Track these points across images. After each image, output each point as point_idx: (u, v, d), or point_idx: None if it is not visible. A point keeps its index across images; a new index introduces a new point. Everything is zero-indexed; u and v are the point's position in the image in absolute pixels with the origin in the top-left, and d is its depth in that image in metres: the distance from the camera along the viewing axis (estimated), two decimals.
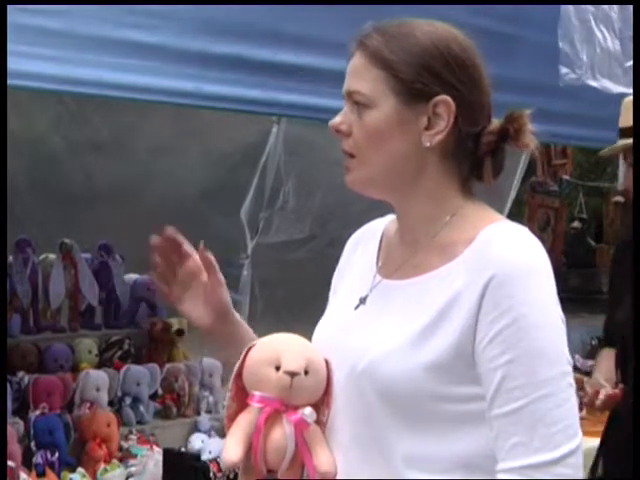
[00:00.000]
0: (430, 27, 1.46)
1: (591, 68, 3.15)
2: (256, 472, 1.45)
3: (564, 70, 3.06)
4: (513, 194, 5.48)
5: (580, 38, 3.08)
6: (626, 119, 2.65)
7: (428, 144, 1.43)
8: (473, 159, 1.48)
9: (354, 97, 1.46)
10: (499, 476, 1.35)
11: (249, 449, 1.45)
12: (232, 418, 1.48)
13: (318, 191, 4.82)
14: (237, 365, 1.48)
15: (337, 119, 1.48)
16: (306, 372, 1.43)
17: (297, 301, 4.86)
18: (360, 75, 1.46)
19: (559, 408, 1.33)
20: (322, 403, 1.48)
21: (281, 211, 4.82)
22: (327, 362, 1.47)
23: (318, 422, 1.46)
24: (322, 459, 1.44)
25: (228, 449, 1.44)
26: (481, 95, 1.47)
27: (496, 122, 1.47)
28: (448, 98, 1.42)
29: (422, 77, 1.42)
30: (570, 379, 1.36)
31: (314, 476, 1.43)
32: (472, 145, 1.46)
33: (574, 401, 1.36)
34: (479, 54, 1.48)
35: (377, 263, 1.57)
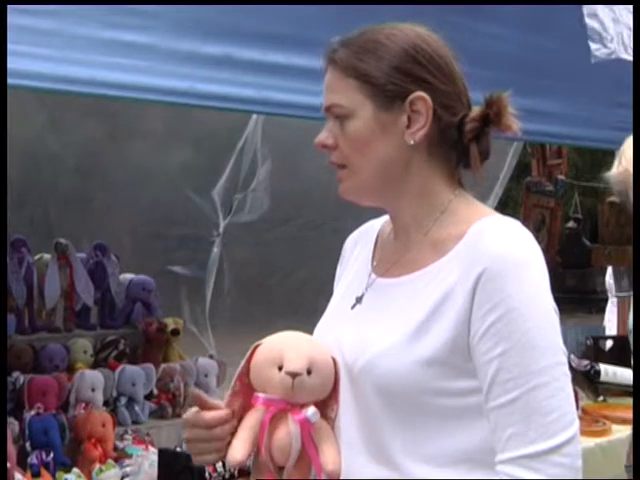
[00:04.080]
0: (392, 30, 1.50)
1: (622, 44, 3.12)
2: (263, 469, 1.46)
3: (595, 46, 3.03)
4: (500, 192, 5.50)
5: (606, 16, 3.07)
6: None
7: (412, 142, 1.46)
8: (459, 149, 1.49)
9: (334, 111, 1.49)
10: (498, 468, 1.36)
11: (256, 448, 1.45)
12: (235, 415, 1.49)
13: (295, 175, 4.88)
14: (242, 364, 1.49)
15: (322, 135, 1.51)
16: (309, 371, 1.44)
17: (266, 280, 4.92)
18: (335, 89, 1.49)
19: (553, 397, 1.35)
20: (330, 399, 1.48)
21: (255, 192, 4.88)
22: (334, 359, 1.48)
23: (327, 418, 1.48)
24: (328, 458, 1.44)
25: (234, 448, 1.45)
26: (454, 85, 1.49)
27: (476, 109, 1.49)
28: (423, 93, 1.45)
29: (394, 78, 1.45)
30: (565, 369, 1.38)
31: (320, 475, 1.44)
32: (456, 135, 1.48)
33: (569, 390, 1.38)
34: (445, 46, 1.50)
35: (372, 262, 1.59)
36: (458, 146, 1.50)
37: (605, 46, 3.03)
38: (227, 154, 4.91)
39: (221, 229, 4.93)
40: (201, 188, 4.88)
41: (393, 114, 1.46)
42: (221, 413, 1.48)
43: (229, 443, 1.48)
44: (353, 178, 1.50)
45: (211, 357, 4.31)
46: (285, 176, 4.89)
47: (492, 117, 1.47)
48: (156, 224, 4.78)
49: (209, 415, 1.48)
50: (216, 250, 4.94)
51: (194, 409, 1.50)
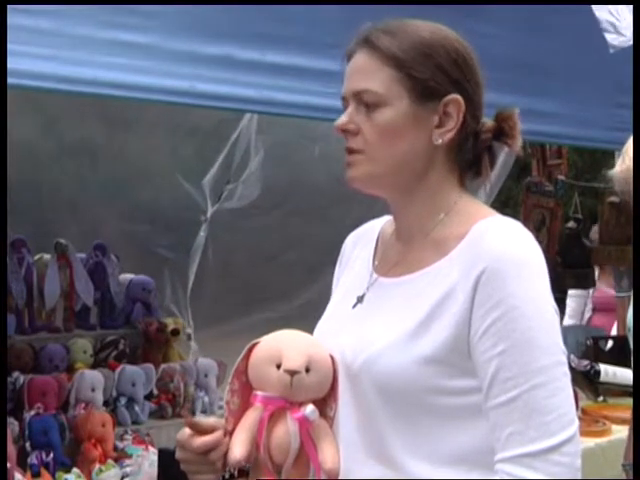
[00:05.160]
0: (432, 27, 1.49)
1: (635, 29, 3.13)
2: (262, 468, 1.46)
3: (611, 36, 3.02)
4: (494, 191, 5.52)
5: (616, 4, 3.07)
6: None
7: (440, 141, 1.46)
8: (472, 156, 1.50)
9: (363, 97, 1.46)
10: (497, 466, 1.36)
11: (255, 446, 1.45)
12: (234, 414, 1.49)
13: (285, 165, 4.95)
14: (238, 362, 1.49)
15: (343, 119, 1.48)
16: (307, 370, 1.44)
17: (250, 265, 5.00)
18: (370, 74, 1.46)
19: (553, 397, 1.35)
20: (329, 398, 1.48)
21: (245, 183, 4.96)
22: (332, 358, 1.48)
23: (325, 417, 1.48)
24: (327, 456, 1.44)
25: (233, 447, 1.45)
26: (481, 93, 1.50)
27: (489, 121, 1.51)
28: (459, 97, 1.45)
29: (435, 76, 1.45)
30: (565, 368, 1.38)
31: (319, 473, 1.44)
32: (472, 142, 1.48)
33: (569, 390, 1.38)
34: (474, 52, 1.51)
35: (374, 262, 1.58)
36: (470, 154, 1.50)
37: (621, 34, 3.03)
38: (221, 146, 4.98)
39: (209, 214, 5.03)
40: (193, 178, 4.97)
41: (427, 111, 1.45)
42: (211, 439, 1.46)
43: (224, 464, 1.47)
44: (368, 166, 1.47)
45: (189, 337, 4.37)
46: (276, 166, 4.97)
47: (507, 131, 1.49)
48: (145, 208, 4.84)
49: (198, 442, 1.46)
50: (202, 234, 5.05)
51: (187, 430, 1.48)
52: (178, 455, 1.49)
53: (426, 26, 1.49)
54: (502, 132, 1.49)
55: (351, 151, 1.48)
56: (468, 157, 1.51)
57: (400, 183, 1.49)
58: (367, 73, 1.46)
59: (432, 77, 1.45)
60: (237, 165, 5.00)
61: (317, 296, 4.83)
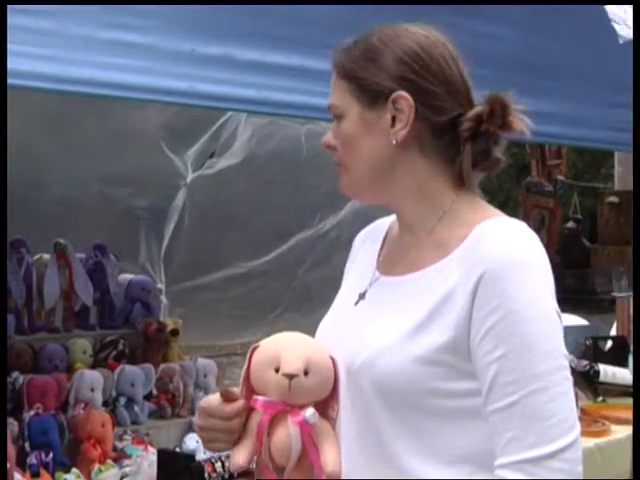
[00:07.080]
0: (388, 30, 1.51)
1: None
2: (263, 471, 1.46)
3: (619, 27, 3.04)
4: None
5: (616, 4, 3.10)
6: None
7: (394, 141, 1.46)
8: (454, 148, 1.48)
9: (332, 111, 1.53)
10: (496, 472, 1.35)
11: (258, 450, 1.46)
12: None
13: (270, 141, 5.06)
14: (244, 368, 1.49)
15: (327, 136, 1.55)
16: (306, 372, 1.44)
17: (223, 227, 5.12)
18: (333, 90, 1.53)
19: (553, 402, 1.33)
20: (331, 399, 1.48)
21: (229, 157, 5.12)
22: (332, 359, 1.48)
23: (328, 418, 1.48)
24: (329, 459, 1.44)
25: (235, 452, 1.46)
26: (446, 84, 1.47)
27: (476, 108, 1.48)
28: (403, 93, 1.45)
29: (377, 77, 1.47)
30: (566, 373, 1.37)
31: (321, 475, 1.44)
32: (452, 135, 1.47)
33: (570, 395, 1.36)
34: (445, 46, 1.49)
35: (378, 259, 1.59)
36: (453, 147, 1.48)
37: (629, 26, 3.04)
38: (210, 125, 5.09)
39: (188, 180, 5.17)
40: (179, 151, 5.09)
41: (377, 113, 1.47)
42: (240, 405, 1.47)
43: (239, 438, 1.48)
44: (347, 176, 1.53)
45: (160, 292, 4.45)
46: (261, 142, 5.09)
47: (486, 117, 1.46)
48: (130, 174, 4.92)
49: (229, 408, 1.47)
50: (181, 197, 5.17)
51: (212, 397, 1.50)
52: (199, 422, 1.50)
53: (383, 30, 1.51)
54: (484, 117, 1.46)
55: (335, 164, 1.54)
56: (457, 150, 1.48)
57: (378, 187, 1.51)
58: (332, 90, 1.54)
59: (374, 80, 1.47)
60: (223, 142, 5.14)
61: (287, 252, 5.04)
